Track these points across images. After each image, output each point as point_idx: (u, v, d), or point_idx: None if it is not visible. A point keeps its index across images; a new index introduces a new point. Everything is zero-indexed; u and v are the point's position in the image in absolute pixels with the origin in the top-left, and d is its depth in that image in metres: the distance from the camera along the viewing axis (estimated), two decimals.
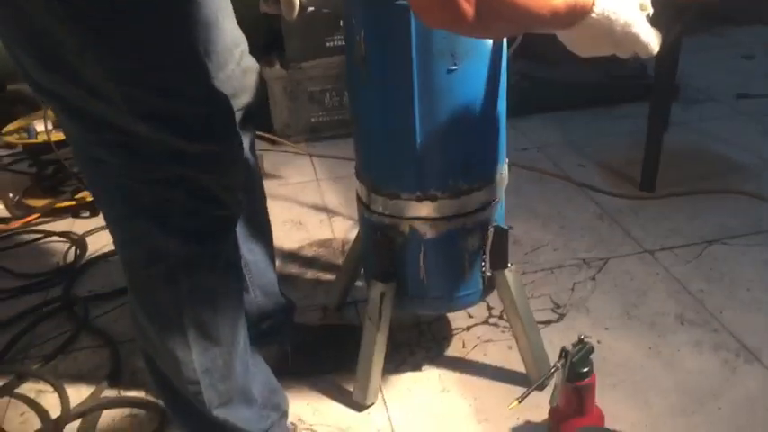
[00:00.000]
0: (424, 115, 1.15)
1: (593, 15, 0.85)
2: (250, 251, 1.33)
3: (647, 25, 0.93)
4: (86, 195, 2.15)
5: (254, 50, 1.24)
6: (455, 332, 1.57)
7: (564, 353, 1.20)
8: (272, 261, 1.41)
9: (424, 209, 1.24)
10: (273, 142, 2.49)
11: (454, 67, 1.11)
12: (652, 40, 0.93)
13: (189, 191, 1.01)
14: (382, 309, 1.31)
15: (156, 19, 0.93)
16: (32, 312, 1.71)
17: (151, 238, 1.01)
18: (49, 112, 2.11)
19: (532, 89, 2.50)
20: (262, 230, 1.37)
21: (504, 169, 1.30)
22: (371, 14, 1.12)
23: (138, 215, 1.01)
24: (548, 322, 1.56)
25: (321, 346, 1.47)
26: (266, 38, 2.52)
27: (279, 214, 2.08)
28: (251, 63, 1.22)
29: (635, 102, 2.55)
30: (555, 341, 1.47)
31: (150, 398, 1.42)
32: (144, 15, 0.91)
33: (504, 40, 1.19)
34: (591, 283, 1.69)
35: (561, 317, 1.59)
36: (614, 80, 2.59)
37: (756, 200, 1.96)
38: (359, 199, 1.36)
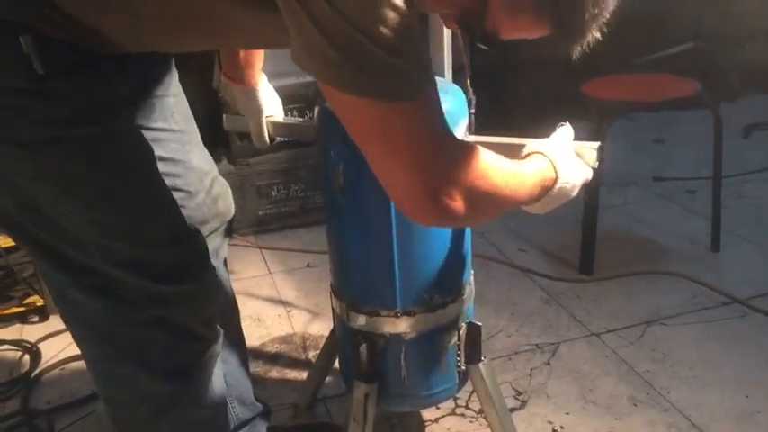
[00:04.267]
0: (402, 240, 1.23)
1: (556, 187, 0.99)
2: (224, 361, 1.35)
3: (584, 170, 1.07)
4: (35, 300, 2.11)
5: None
6: (426, 424, 1.62)
7: None
8: (247, 369, 1.43)
9: (402, 324, 1.31)
10: None
11: None
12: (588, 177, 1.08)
13: (168, 330, 1.03)
14: (367, 409, 1.35)
15: (123, 170, 0.96)
16: None
17: (135, 380, 1.03)
18: None
19: None
20: (235, 339, 1.40)
21: (471, 279, 1.39)
22: (351, 150, 1.19)
23: (120, 357, 1.02)
24: (512, 409, 1.64)
25: None
26: (212, 134, 2.57)
27: None
28: (221, 189, 1.26)
29: None
30: (521, 428, 1.55)
31: None
32: (111, 169, 0.95)
33: None
34: (547, 368, 1.79)
35: (524, 403, 1.67)
36: None
37: (684, 279, 2.13)
38: (335, 312, 1.42)
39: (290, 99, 2.35)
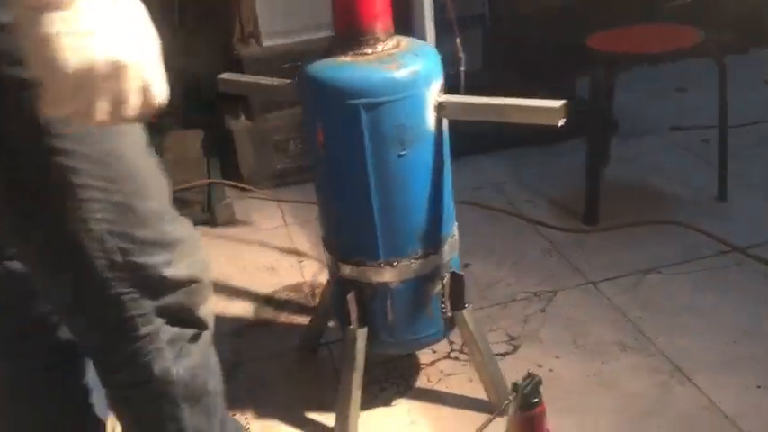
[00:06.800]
0: (380, 195, 1.32)
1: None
2: None
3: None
4: None
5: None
6: (421, 367, 1.72)
7: (515, 386, 1.36)
8: None
9: (387, 274, 1.40)
10: (242, 190, 2.63)
11: (404, 153, 1.29)
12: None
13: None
14: (356, 352, 1.45)
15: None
16: None
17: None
18: None
19: (485, 128, 2.67)
20: None
21: (455, 232, 1.47)
22: (327, 111, 1.28)
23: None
24: (504, 354, 1.72)
25: None
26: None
27: (253, 260, 2.23)
28: None
29: (576, 137, 2.77)
30: (511, 370, 1.63)
31: None
32: None
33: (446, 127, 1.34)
34: (541, 315, 1.86)
35: (516, 348, 1.76)
36: None
37: (687, 229, 2.16)
38: (327, 262, 1.52)
39: (292, 55, 2.40)
